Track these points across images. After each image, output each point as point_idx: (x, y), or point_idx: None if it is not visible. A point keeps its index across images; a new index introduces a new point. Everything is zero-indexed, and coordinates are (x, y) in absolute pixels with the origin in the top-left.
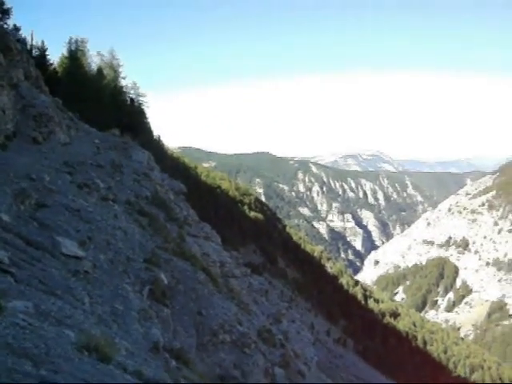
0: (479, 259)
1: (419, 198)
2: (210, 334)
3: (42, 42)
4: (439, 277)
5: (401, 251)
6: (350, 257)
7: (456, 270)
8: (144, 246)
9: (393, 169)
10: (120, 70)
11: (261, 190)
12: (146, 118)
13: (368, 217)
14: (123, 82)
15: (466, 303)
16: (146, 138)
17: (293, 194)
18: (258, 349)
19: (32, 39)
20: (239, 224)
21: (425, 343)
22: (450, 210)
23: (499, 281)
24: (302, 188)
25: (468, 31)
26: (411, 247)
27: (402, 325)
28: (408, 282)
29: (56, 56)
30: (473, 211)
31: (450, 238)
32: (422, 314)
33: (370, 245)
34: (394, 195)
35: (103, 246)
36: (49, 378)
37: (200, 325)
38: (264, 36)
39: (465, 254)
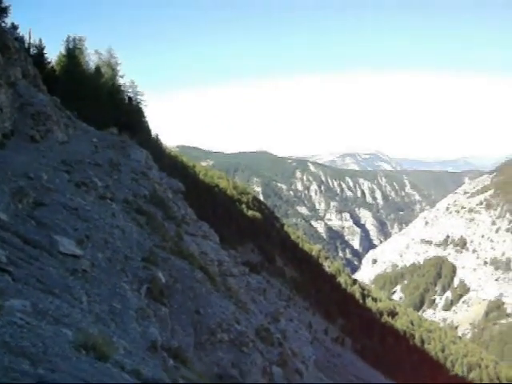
0: (477, 258)
1: (417, 197)
2: (207, 332)
3: (40, 41)
4: (437, 276)
5: (399, 250)
6: (348, 256)
7: (454, 269)
8: (142, 244)
9: (391, 168)
10: (118, 68)
11: (259, 189)
12: (144, 116)
13: (366, 216)
14: (121, 81)
15: (463, 302)
16: (144, 137)
17: (291, 192)
18: (256, 348)
19: (30, 37)
20: (237, 223)
21: (422, 342)
22: (447, 209)
23: (497, 280)
24: (300, 187)
25: (466, 31)
26: (409, 246)
27: (399, 324)
28: (406, 281)
29: (54, 54)
30: (471, 210)
31: (448, 237)
32: (419, 313)
33: (368, 244)
34: (392, 194)
35: (101, 244)
36: (46, 376)
37: (198, 324)
38: (263, 36)
39: (462, 253)
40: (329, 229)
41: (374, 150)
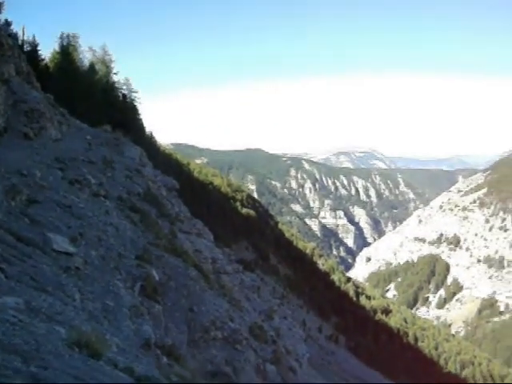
0: (470, 256)
1: (411, 196)
2: (201, 330)
3: (34, 38)
4: (430, 274)
5: (392, 248)
6: (342, 254)
7: (447, 267)
8: (135, 242)
9: (385, 166)
10: (112, 65)
11: (253, 187)
12: (138, 114)
13: (360, 214)
14: (115, 78)
15: (457, 300)
16: (138, 135)
17: (285, 190)
18: (250, 345)
19: (23, 34)
20: (231, 220)
21: (416, 340)
22: (441, 207)
23: (490, 278)
24: (294, 185)
25: (461, 31)
26: (403, 244)
27: (393, 321)
28: (399, 279)
29: (48, 51)
30: (464, 208)
31: (442, 235)
32: (413, 311)
33: (362, 242)
34: (386, 192)
35: (94, 242)
36: (39, 374)
37: (191, 321)
38: (260, 36)
39: (456, 251)
40: (323, 227)
41: (368, 148)
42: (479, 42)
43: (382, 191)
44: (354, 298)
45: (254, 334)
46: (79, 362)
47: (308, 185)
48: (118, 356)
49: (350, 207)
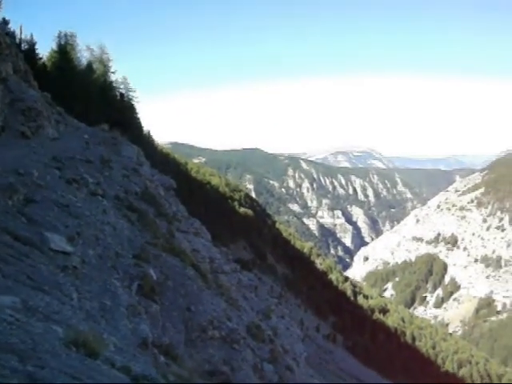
0: (468, 256)
1: (409, 195)
2: (198, 329)
3: (31, 36)
4: (428, 273)
5: (390, 248)
6: (340, 253)
7: (445, 267)
8: (133, 241)
9: (383, 165)
10: (110, 64)
11: (251, 186)
12: (135, 113)
13: (358, 213)
14: (113, 77)
15: (454, 299)
16: (135, 134)
17: (283, 190)
18: (247, 344)
19: (21, 33)
20: (229, 220)
21: (413, 339)
22: (439, 206)
23: (487, 277)
24: (292, 184)
25: (459, 31)
26: (400, 244)
27: (390, 321)
28: (397, 279)
29: (45, 50)
30: (462, 208)
31: (439, 234)
32: (410, 310)
33: (360, 241)
34: (384, 192)
35: (92, 241)
36: (35, 373)
37: (189, 321)
38: (258, 36)
39: (453, 250)
40: (321, 226)
41: (366, 147)
42: (477, 43)
43: (380, 191)
44: (352, 298)
45: (252, 334)
46: (76, 362)
47: (306, 184)
48: (115, 355)
49: (348, 207)
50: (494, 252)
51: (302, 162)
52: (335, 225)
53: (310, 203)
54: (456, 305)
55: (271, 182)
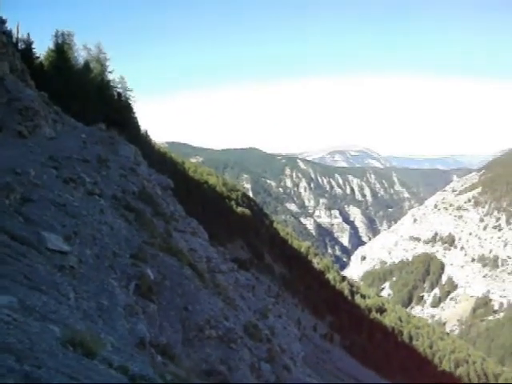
0: (465, 255)
1: (406, 195)
2: (196, 329)
3: (28, 35)
4: (425, 273)
5: (387, 247)
6: (337, 253)
7: (442, 266)
8: (130, 241)
9: (380, 165)
10: (107, 63)
11: (248, 186)
12: (133, 112)
13: (355, 213)
14: (110, 76)
15: (451, 299)
16: (133, 133)
17: (280, 189)
18: (245, 344)
19: (18, 32)
20: (226, 219)
21: (410, 338)
22: (436, 206)
23: (484, 277)
24: (289, 184)
25: (457, 32)
26: (398, 243)
27: (388, 320)
28: (394, 278)
29: (42, 49)
30: (459, 208)
31: (436, 234)
32: (407, 310)
33: (357, 241)
34: (381, 191)
35: (89, 240)
36: (32, 373)
37: (186, 320)
38: (256, 36)
39: (451, 250)
40: (318, 226)
41: (363, 147)
42: (476, 44)
43: (377, 190)
44: (349, 297)
45: (249, 333)
46: (73, 361)
47: (303, 184)
48: (112, 355)
49: (345, 206)
50: (491, 251)
51: (299, 161)
52: (332, 224)
53: (307, 203)
54: (453, 304)
55: (268, 181)
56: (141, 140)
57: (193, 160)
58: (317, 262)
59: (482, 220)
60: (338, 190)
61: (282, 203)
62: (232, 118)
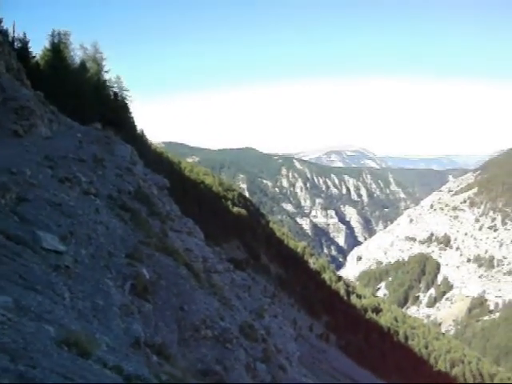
0: (460, 255)
1: (402, 195)
2: (191, 329)
3: (24, 35)
4: (421, 273)
5: (383, 247)
6: (333, 253)
7: (437, 267)
8: (126, 240)
9: (376, 165)
10: (103, 63)
11: (244, 186)
12: (129, 112)
13: (351, 213)
14: (107, 76)
15: (447, 299)
16: (129, 133)
17: (276, 189)
18: (240, 344)
19: (14, 31)
20: (222, 219)
21: (406, 338)
22: (432, 206)
23: (480, 277)
24: (285, 184)
25: (452, 33)
26: (394, 243)
27: (383, 320)
28: (390, 278)
29: (38, 49)
30: (454, 208)
31: (432, 234)
32: (403, 310)
33: (353, 241)
34: (377, 192)
35: (84, 240)
36: (27, 373)
37: (182, 320)
38: (252, 37)
39: (446, 250)
40: (314, 226)
41: (359, 147)
42: (471, 44)
43: (373, 190)
44: (345, 297)
45: (245, 333)
46: (68, 361)
47: (299, 184)
48: (107, 355)
49: (341, 206)
50: (486, 252)
51: (295, 161)
52: (328, 224)
53: (303, 203)
54: (449, 304)
55: (265, 181)
56: (137, 140)
57: (189, 160)
58: (313, 262)
59: (477, 220)
60: (334, 190)
61: (278, 203)
62: (228, 117)
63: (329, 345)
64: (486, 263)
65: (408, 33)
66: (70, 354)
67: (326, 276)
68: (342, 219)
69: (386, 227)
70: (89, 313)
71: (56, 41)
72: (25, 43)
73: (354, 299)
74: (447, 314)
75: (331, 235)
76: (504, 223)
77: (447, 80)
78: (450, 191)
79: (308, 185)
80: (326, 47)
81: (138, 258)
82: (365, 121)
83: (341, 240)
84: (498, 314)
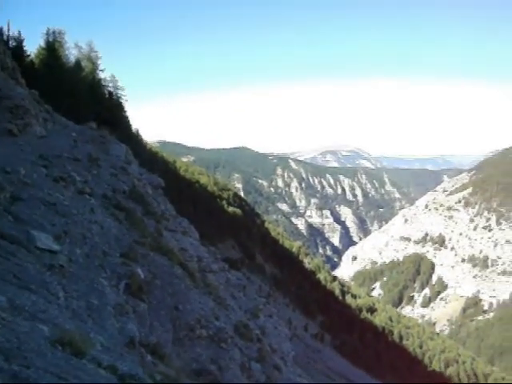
0: (455, 255)
1: (397, 195)
2: (186, 328)
3: (19, 33)
4: (416, 273)
5: (378, 247)
6: (328, 253)
7: (432, 266)
8: (121, 240)
9: (371, 165)
10: (98, 62)
11: (239, 185)
12: (124, 111)
13: (346, 213)
14: (102, 75)
15: (441, 299)
16: (124, 132)
17: (271, 189)
18: (235, 344)
19: (8, 29)
20: (217, 219)
21: (401, 338)
22: (426, 206)
23: (474, 277)
24: (280, 183)
25: (449, 34)
26: (388, 243)
27: (378, 320)
28: (385, 278)
29: (33, 47)
30: (449, 208)
31: (427, 234)
32: (398, 310)
33: (348, 241)
34: (372, 192)
35: (79, 240)
36: (21, 372)
37: (177, 320)
38: (249, 38)
39: (441, 250)
40: (309, 225)
41: (354, 147)
42: (466, 45)
43: (368, 190)
44: (340, 297)
45: (240, 333)
46: (62, 361)
47: (294, 184)
48: (101, 354)
49: (336, 206)
50: (481, 252)
51: (290, 161)
52: (323, 224)
53: (298, 203)
54: (443, 304)
55: (260, 181)
56: (132, 139)
57: (184, 159)
58: (308, 262)
59: (472, 220)
60: (329, 190)
61: (273, 203)
62: (224, 117)
63: (324, 345)
64: (481, 263)
65: (403, 35)
66: (64, 353)
67: (321, 276)
68: (337, 219)
69: (380, 227)
70: (83, 312)
71: (51, 39)
72: (19, 42)
73: (348, 299)
74: (442, 313)
75: (326, 235)
76: (498, 223)
77: (443, 81)
78: (444, 191)
79: (303, 185)
80: (322, 48)
81: (132, 257)
82: (360, 121)
83: (336, 240)
84: (492, 314)
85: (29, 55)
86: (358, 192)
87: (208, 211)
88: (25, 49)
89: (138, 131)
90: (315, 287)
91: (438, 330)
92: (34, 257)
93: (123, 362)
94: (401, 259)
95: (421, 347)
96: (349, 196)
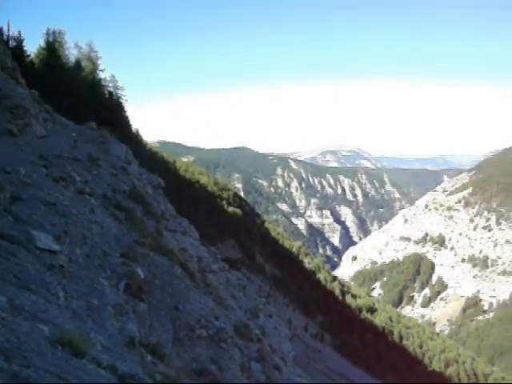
0: (455, 255)
1: (397, 195)
2: (186, 328)
3: (19, 33)
4: (416, 273)
5: (378, 247)
6: (328, 253)
7: (432, 266)
8: (121, 240)
9: (371, 165)
10: (98, 62)
11: (239, 185)
12: (124, 111)
13: (346, 213)
14: (102, 75)
15: (441, 299)
16: (124, 132)
17: (271, 189)
18: (235, 344)
19: (8, 29)
20: (217, 219)
21: (401, 338)
22: (426, 206)
23: (474, 277)
24: (280, 183)
25: (448, 34)
26: (388, 243)
27: (378, 320)
28: (385, 278)
29: (33, 47)
30: (449, 208)
31: (427, 234)
32: (398, 310)
33: (348, 241)
34: (372, 192)
35: (79, 240)
36: (21, 372)
37: (177, 320)
38: (247, 39)
39: (441, 250)
40: (309, 225)
41: (354, 147)
42: (465, 45)
43: (368, 190)
44: (340, 297)
45: (240, 333)
46: (62, 361)
47: (294, 184)
48: (101, 354)
49: (336, 206)
50: (480, 252)
51: (290, 161)
52: (323, 224)
53: (298, 203)
54: (443, 304)
55: (260, 181)
56: (132, 139)
57: (184, 159)
58: (308, 262)
59: (472, 220)
60: (329, 190)
61: (273, 203)
62: (224, 117)
63: (324, 344)
64: (481, 263)
65: (403, 35)
66: (64, 353)
67: (321, 276)
68: (337, 219)
69: (380, 227)
70: (83, 312)
71: (51, 39)
72: (19, 42)
73: (348, 299)
74: (442, 313)
75: (326, 235)
76: (498, 223)
77: (442, 81)
78: (444, 191)
79: (303, 185)
80: (322, 48)
81: (132, 257)
82: (360, 121)
83: (336, 240)
84: (492, 314)
85: (29, 55)
86: (358, 192)
87: (208, 211)
88: (25, 49)
89: (138, 131)
90: (315, 287)
91: (438, 330)
92: (34, 257)
93: (123, 362)
94: (401, 259)
95: (421, 347)
96: (349, 196)
